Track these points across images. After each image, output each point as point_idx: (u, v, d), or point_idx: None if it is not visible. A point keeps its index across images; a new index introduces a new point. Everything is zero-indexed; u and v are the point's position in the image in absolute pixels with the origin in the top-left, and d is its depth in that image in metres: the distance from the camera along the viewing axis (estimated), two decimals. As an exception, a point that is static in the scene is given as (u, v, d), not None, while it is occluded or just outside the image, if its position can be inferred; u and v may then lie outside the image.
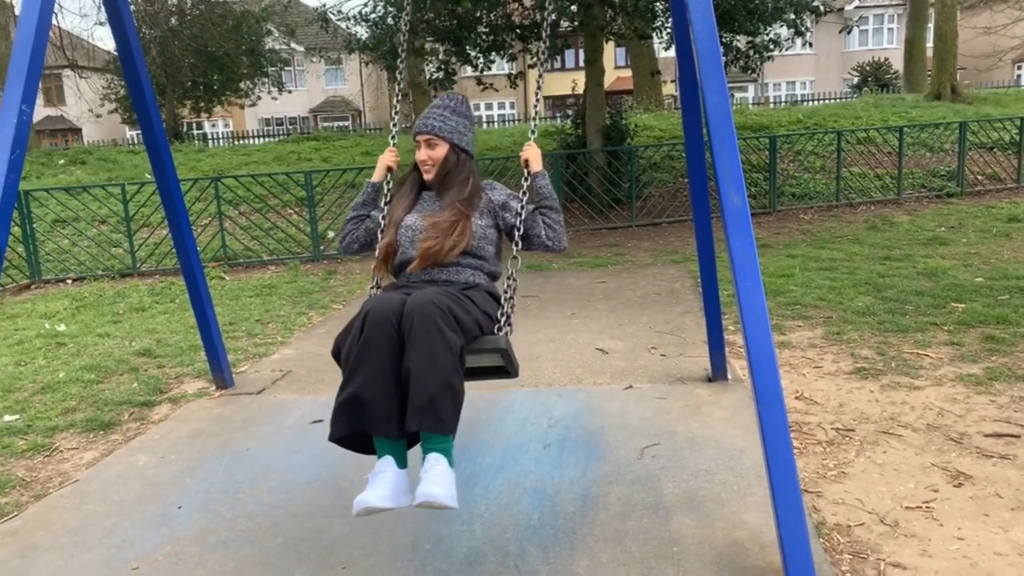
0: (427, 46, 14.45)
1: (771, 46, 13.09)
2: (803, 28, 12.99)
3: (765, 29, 12.80)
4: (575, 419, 4.42)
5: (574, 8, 13.09)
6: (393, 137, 3.06)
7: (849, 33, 30.34)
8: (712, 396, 4.66)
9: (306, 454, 4.17)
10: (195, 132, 31.30)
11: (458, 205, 2.71)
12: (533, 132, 3.10)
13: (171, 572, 3.08)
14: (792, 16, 12.64)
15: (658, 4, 12.00)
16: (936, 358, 5.13)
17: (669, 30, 13.30)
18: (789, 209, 12.63)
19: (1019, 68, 36.75)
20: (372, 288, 2.83)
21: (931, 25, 21.51)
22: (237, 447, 4.35)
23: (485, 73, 14.55)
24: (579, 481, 3.64)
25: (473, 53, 13.78)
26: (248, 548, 3.23)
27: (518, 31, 13.35)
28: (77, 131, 36.87)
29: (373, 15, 13.75)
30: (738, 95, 36.04)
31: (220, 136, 31.17)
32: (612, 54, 35.68)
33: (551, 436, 4.20)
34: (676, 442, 4.01)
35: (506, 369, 2.57)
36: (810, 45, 14.11)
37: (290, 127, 38.08)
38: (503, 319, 2.61)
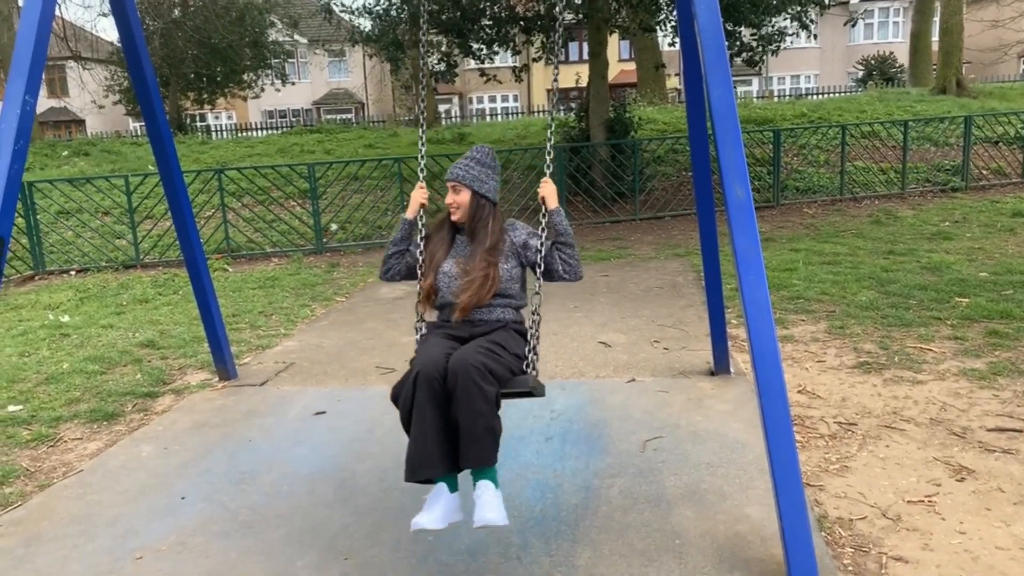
0: (431, 38, 14.42)
1: (776, 38, 13.02)
2: (807, 21, 12.92)
3: (770, 21, 12.74)
4: (577, 412, 4.43)
5: (579, 1, 13.04)
6: (421, 173, 3.37)
7: (854, 26, 30.20)
8: (714, 389, 4.66)
9: (309, 446, 4.19)
10: (198, 124, 31.29)
11: (485, 256, 3.05)
12: (549, 168, 3.32)
13: (175, 562, 3.09)
14: (797, 8, 12.57)
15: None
16: (939, 352, 5.12)
17: (673, 23, 13.26)
18: (793, 203, 12.60)
19: (1025, 62, 36.59)
20: (417, 322, 3.18)
21: (937, 19, 21.41)
22: (240, 438, 4.36)
23: (489, 65, 14.52)
24: (581, 474, 3.65)
25: (476, 45, 13.75)
26: (251, 539, 3.24)
27: (521, 23, 13.31)
28: (81, 123, 36.86)
29: (377, 7, 13.71)
30: (742, 89, 35.93)
31: (223, 128, 31.18)
32: (616, 47, 35.58)
33: (553, 429, 4.20)
34: (678, 435, 4.02)
35: (534, 394, 2.96)
36: (815, 37, 14.06)
37: (293, 119, 38.08)
38: (530, 355, 3.00)
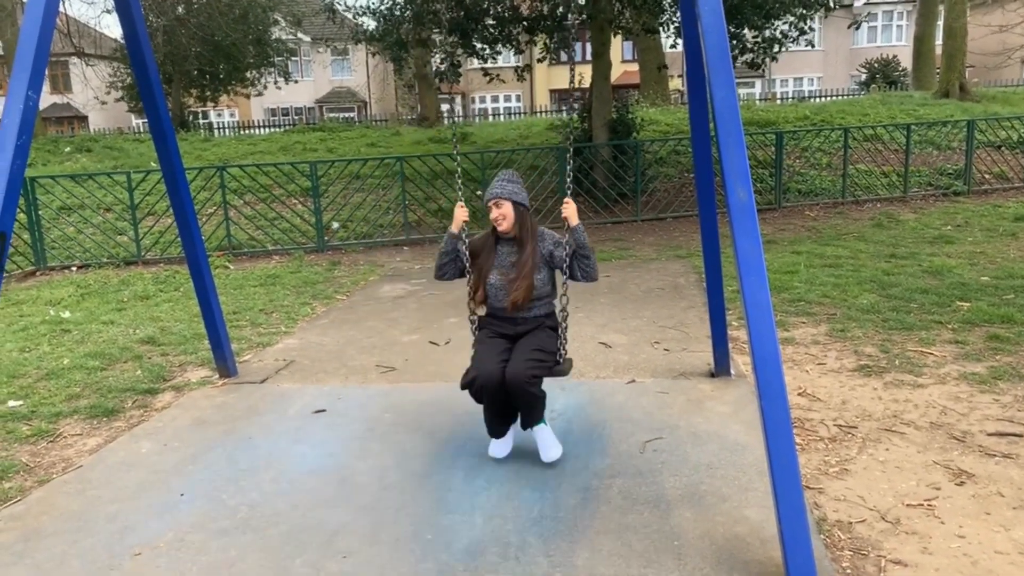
0: (434, 38, 14.41)
1: (778, 42, 13.01)
2: (807, 27, 12.92)
3: (772, 24, 12.73)
4: (577, 412, 4.43)
5: (582, 1, 13.03)
6: (459, 193, 4.02)
7: (857, 29, 30.14)
8: (715, 391, 4.66)
9: (308, 444, 4.19)
10: (201, 121, 31.28)
11: (527, 270, 3.76)
12: (569, 189, 3.90)
13: (173, 559, 3.09)
14: (801, 11, 12.56)
15: (666, -2, 11.96)
16: (940, 356, 5.12)
17: (677, 24, 13.24)
18: (795, 206, 12.59)
19: (1029, 67, 36.54)
20: (471, 317, 3.95)
21: (940, 22, 21.38)
22: (240, 436, 4.36)
23: (492, 65, 14.51)
24: (581, 474, 3.65)
25: (479, 45, 13.74)
26: (250, 536, 3.24)
27: (525, 23, 13.30)
28: (83, 119, 36.88)
29: (381, 7, 13.70)
30: (745, 91, 35.91)
31: (226, 125, 31.16)
32: (619, 48, 35.57)
33: (553, 429, 4.19)
34: (678, 436, 4.02)
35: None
36: (812, 45, 14.03)
37: (296, 117, 38.06)
38: (561, 347, 3.79)
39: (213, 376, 5.51)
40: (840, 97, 26.23)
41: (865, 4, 36.48)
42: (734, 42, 12.70)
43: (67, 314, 7.66)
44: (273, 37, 28.47)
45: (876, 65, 33.97)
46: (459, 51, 13.95)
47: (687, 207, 12.35)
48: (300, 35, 33.03)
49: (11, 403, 5.12)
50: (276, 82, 30.30)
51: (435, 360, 5.65)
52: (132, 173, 11.68)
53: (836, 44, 38.51)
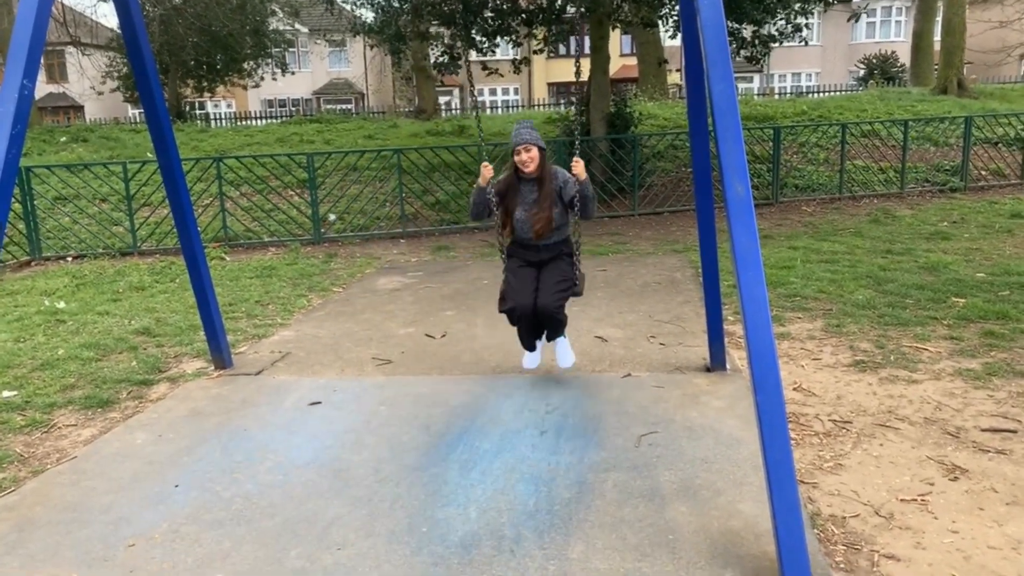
0: (432, 30, 14.36)
1: (774, 37, 13.00)
2: (804, 24, 12.92)
3: (772, 19, 12.71)
4: (573, 406, 4.43)
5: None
6: (484, 155, 5.27)
7: (856, 22, 30.13)
8: (710, 386, 4.67)
9: (304, 435, 4.18)
10: (198, 112, 31.17)
11: (547, 205, 4.52)
12: (577, 149, 4.65)
13: (167, 550, 3.09)
14: (800, 5, 12.53)
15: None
16: (935, 352, 5.13)
17: (676, 18, 13.21)
18: (792, 201, 12.60)
19: (1026, 63, 36.56)
20: (500, 248, 4.80)
21: (939, 18, 21.37)
22: (235, 427, 4.36)
23: (490, 58, 14.47)
24: (576, 468, 3.65)
25: (479, 37, 13.70)
26: (244, 528, 3.24)
27: (523, 16, 13.26)
28: (79, 108, 36.71)
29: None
30: (743, 86, 35.86)
31: (223, 116, 31.06)
32: (618, 42, 35.50)
33: (548, 422, 4.21)
34: (673, 431, 4.02)
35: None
36: (805, 43, 14.02)
37: (293, 109, 37.96)
38: (577, 273, 4.68)
39: (208, 367, 5.50)
40: (838, 93, 26.21)
41: (864, -1, 36.43)
42: (732, 37, 12.68)
43: (62, 304, 7.64)
44: (271, 28, 28.37)
45: (874, 61, 33.96)
46: (458, 44, 13.91)
47: (684, 201, 12.34)
48: (298, 26, 32.95)
49: (5, 393, 5.10)
50: (273, 73, 30.21)
51: (431, 353, 5.65)
52: (128, 163, 11.63)
53: (834, 40, 38.51)
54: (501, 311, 4.58)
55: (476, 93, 5.34)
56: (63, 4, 20.54)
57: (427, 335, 6.13)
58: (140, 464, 3.92)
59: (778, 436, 2.65)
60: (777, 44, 13.11)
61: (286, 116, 29.00)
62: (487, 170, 4.58)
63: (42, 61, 3.51)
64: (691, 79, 4.39)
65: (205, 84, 28.57)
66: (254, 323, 6.74)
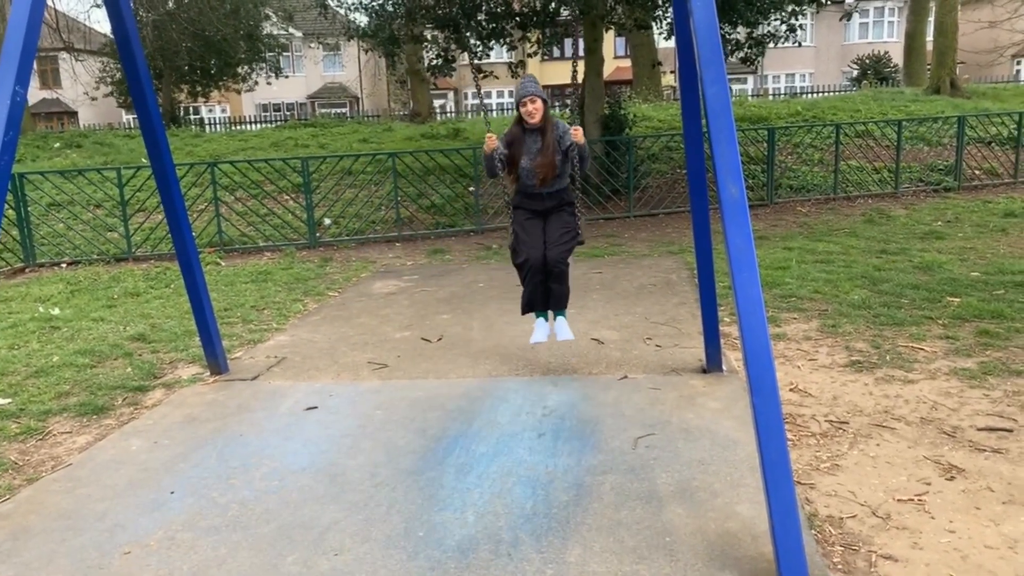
0: (427, 34, 14.36)
1: (767, 39, 13.03)
2: (797, 26, 12.96)
3: (765, 20, 12.74)
4: (570, 408, 4.43)
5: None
6: (488, 126, 5.25)
7: (849, 20, 30.18)
8: (706, 387, 4.67)
9: (300, 441, 4.17)
10: (192, 117, 31.14)
11: (550, 152, 4.82)
12: (575, 123, 4.92)
13: (163, 557, 3.08)
14: (792, 6, 12.56)
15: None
16: (931, 352, 5.14)
17: (669, 20, 13.24)
18: (786, 201, 12.62)
19: (1019, 63, 36.71)
20: (506, 198, 5.29)
21: (932, 19, 21.45)
22: (230, 433, 4.34)
23: (485, 61, 14.47)
24: (573, 470, 3.65)
25: (472, 41, 13.70)
26: (240, 534, 3.23)
27: (517, 19, 13.27)
28: (73, 114, 36.61)
29: (373, 3, 13.64)
30: (737, 87, 35.93)
31: (217, 121, 31.00)
32: (612, 44, 35.55)
33: (545, 425, 4.20)
34: (670, 432, 4.02)
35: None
36: (799, 45, 14.07)
37: (287, 113, 37.93)
38: (579, 218, 5.13)
39: (204, 373, 5.48)
40: (832, 93, 26.25)
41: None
42: (725, 39, 12.71)
43: (56, 311, 7.61)
44: (264, 32, 28.36)
45: (867, 61, 34.06)
46: (452, 47, 13.91)
47: (679, 203, 12.35)
48: (291, 30, 32.92)
49: (0, 401, 5.08)
50: (267, 78, 30.19)
51: (427, 357, 5.64)
52: (122, 169, 11.60)
53: (828, 40, 38.61)
54: (515, 263, 4.97)
55: (476, 93, 5.58)
56: (56, 9, 20.48)
57: (423, 339, 6.12)
58: (135, 471, 3.91)
59: (774, 437, 2.65)
60: (772, 45, 13.14)
61: (281, 120, 28.98)
62: (491, 140, 4.89)
63: (35, 67, 3.50)
64: (685, 80, 4.40)
65: (199, 89, 28.56)
66: (249, 328, 6.73)
